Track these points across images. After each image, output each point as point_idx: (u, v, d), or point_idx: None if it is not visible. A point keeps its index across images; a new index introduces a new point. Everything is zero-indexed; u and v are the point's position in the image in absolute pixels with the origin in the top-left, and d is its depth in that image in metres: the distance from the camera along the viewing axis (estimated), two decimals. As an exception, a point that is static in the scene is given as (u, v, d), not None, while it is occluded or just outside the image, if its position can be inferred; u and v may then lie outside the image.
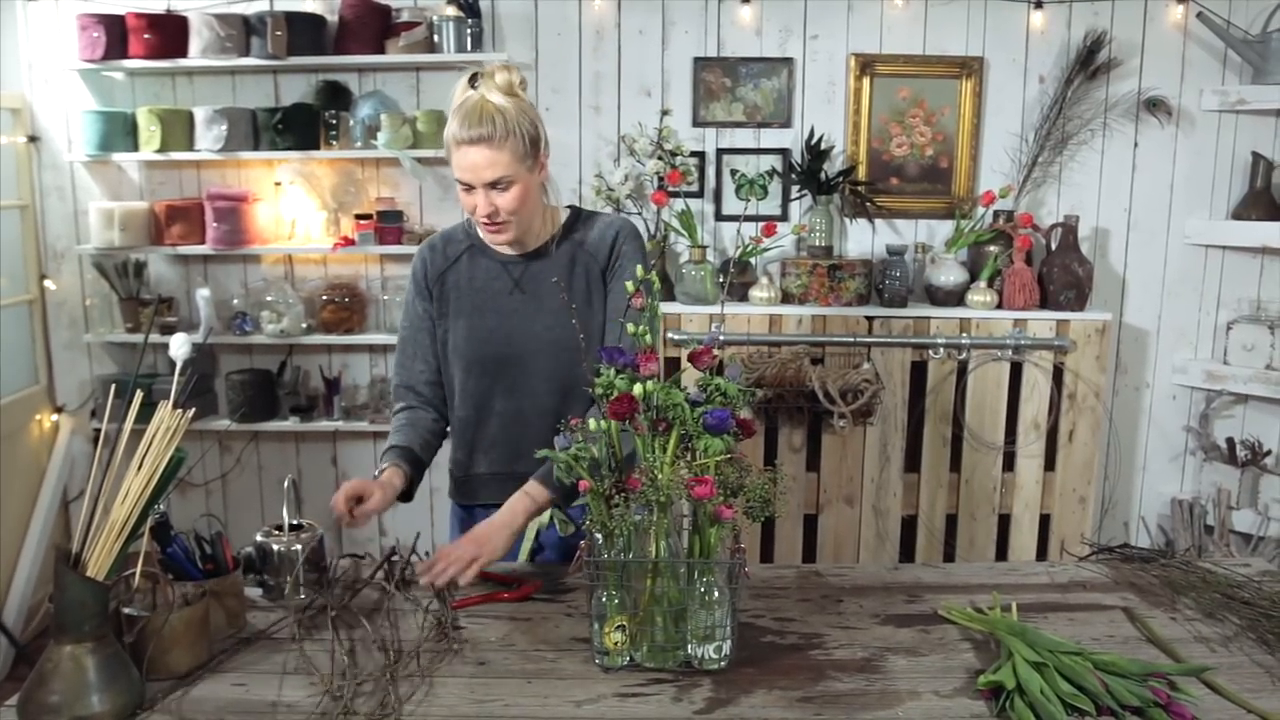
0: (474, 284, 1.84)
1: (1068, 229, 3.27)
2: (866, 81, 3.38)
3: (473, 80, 1.71)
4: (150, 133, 3.31)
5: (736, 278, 3.32)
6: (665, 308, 3.16)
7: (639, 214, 3.41)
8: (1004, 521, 3.33)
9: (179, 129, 3.34)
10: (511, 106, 1.67)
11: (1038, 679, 1.30)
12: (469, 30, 3.26)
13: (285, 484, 1.73)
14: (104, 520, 1.32)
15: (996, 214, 3.33)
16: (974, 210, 3.40)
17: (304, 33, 3.27)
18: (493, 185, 1.68)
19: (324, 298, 3.48)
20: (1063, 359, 3.21)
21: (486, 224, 1.74)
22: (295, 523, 1.70)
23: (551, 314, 1.79)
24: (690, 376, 1.82)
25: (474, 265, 1.85)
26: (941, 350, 3.21)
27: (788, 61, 3.40)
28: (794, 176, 3.40)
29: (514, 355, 1.81)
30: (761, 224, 3.28)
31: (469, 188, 1.70)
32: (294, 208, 3.51)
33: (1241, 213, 3.35)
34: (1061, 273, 3.22)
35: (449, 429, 1.93)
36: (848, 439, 3.24)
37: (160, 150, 3.31)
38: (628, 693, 1.36)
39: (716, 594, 1.40)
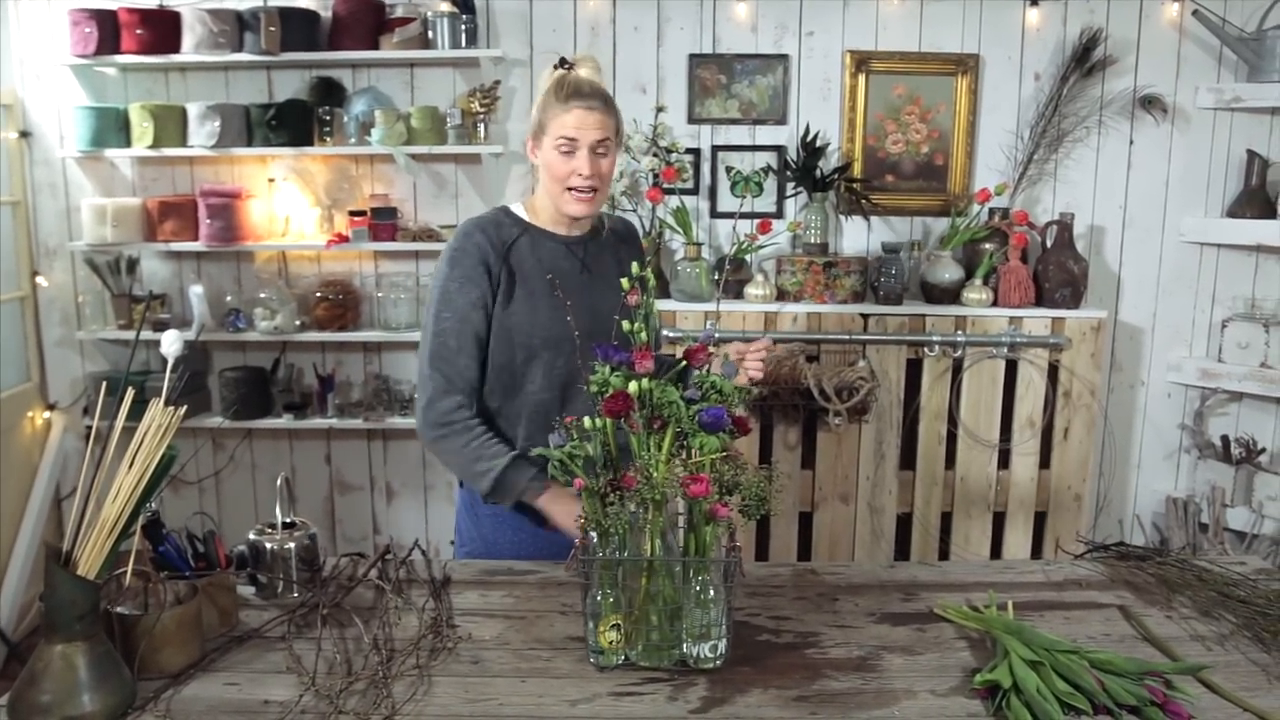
0: (543, 265, 1.84)
1: (1063, 227, 3.27)
2: (862, 79, 3.37)
3: (563, 64, 1.80)
4: (143, 129, 3.29)
5: (732, 275, 3.31)
6: (660, 305, 3.15)
7: (634, 211, 3.40)
8: (999, 519, 3.33)
9: (172, 125, 3.32)
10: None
11: (1034, 677, 1.30)
12: (463, 26, 3.25)
13: (278, 482, 1.72)
14: (95, 518, 1.31)
15: (992, 211, 3.32)
16: (969, 208, 3.39)
17: (297, 28, 3.26)
18: (595, 148, 1.76)
19: (318, 295, 3.46)
20: (1058, 357, 3.21)
21: (580, 192, 1.78)
22: (288, 521, 1.69)
23: (616, 291, 1.83)
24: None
25: (537, 246, 1.85)
26: (937, 348, 3.20)
27: (783, 58, 3.39)
28: (789, 174, 3.39)
29: (601, 331, 1.78)
30: (757, 221, 3.22)
31: (569, 152, 1.76)
32: (287, 204, 3.50)
33: (1236, 210, 3.35)
34: (1057, 270, 3.22)
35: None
36: (843, 436, 3.24)
37: (153, 146, 3.30)
38: (623, 692, 1.36)
39: (712, 592, 1.39)
